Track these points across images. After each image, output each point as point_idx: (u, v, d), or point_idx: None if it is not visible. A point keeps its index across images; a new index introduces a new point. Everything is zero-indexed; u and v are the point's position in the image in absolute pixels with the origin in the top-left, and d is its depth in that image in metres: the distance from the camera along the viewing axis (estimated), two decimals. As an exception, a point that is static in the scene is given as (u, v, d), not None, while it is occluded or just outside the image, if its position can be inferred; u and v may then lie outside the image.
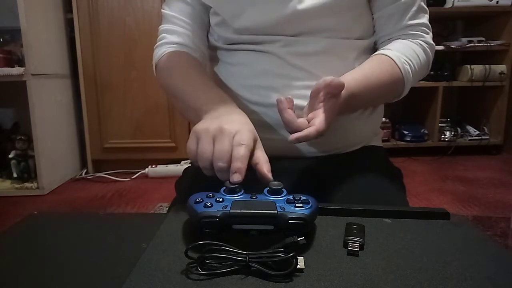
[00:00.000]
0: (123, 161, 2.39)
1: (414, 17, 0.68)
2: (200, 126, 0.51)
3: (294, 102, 0.59)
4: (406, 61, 0.66)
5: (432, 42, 0.71)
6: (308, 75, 0.65)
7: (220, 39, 0.72)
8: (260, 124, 0.65)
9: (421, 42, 0.69)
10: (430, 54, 0.70)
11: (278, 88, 0.65)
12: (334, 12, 0.64)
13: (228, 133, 0.48)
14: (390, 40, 0.70)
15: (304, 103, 0.61)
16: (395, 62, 0.65)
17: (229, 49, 0.70)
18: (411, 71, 0.66)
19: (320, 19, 0.65)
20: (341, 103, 0.58)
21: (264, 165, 0.49)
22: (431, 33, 0.71)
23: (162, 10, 0.75)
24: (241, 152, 0.47)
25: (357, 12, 0.67)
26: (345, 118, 0.66)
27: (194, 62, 0.70)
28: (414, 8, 0.68)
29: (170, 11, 0.73)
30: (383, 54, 0.66)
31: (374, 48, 0.73)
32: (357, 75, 0.63)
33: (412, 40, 0.69)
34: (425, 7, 0.70)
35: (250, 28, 0.67)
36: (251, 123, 0.54)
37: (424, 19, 0.69)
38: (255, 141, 0.51)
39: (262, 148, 0.52)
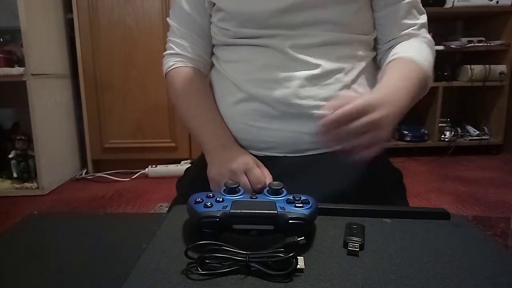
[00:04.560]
0: (123, 161, 2.38)
1: (415, 17, 0.71)
2: (214, 172, 0.65)
3: (295, 92, 0.65)
4: (424, 59, 0.68)
5: (433, 41, 0.73)
6: (309, 65, 0.66)
7: (224, 35, 0.74)
8: (262, 115, 0.67)
9: (426, 41, 0.72)
10: (434, 51, 0.73)
11: (279, 80, 0.66)
12: (333, 3, 0.66)
13: (239, 172, 0.62)
14: (394, 41, 0.72)
15: (304, 92, 0.65)
16: (416, 62, 0.67)
17: (232, 44, 0.73)
18: (430, 67, 0.69)
19: (319, 10, 0.66)
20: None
21: (267, 178, 0.62)
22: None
23: (168, 20, 0.80)
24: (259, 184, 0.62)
25: (357, 6, 0.68)
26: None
27: (198, 82, 0.76)
28: (415, 10, 0.71)
29: (175, 22, 0.79)
30: (401, 58, 0.68)
31: (374, 47, 0.74)
32: (392, 78, 0.64)
33: (417, 39, 0.71)
34: (422, 8, 0.73)
35: (251, 20, 0.69)
36: (244, 151, 0.67)
37: (423, 19, 0.72)
38: (253, 161, 0.64)
39: (260, 163, 0.65)
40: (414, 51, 0.68)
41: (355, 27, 0.69)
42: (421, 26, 0.72)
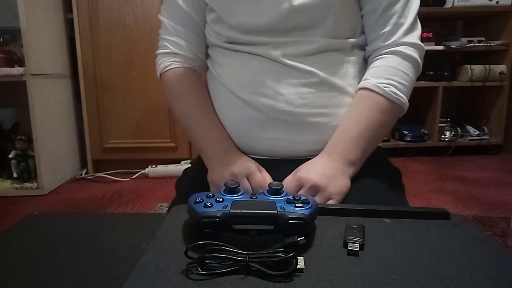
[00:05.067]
0: (123, 161, 2.38)
1: (397, 16, 0.66)
2: (215, 177, 0.66)
3: (290, 99, 0.65)
4: (388, 84, 0.65)
5: (418, 42, 0.67)
6: (302, 74, 0.66)
7: (216, 37, 0.73)
8: (257, 123, 0.66)
9: (401, 49, 0.66)
10: (415, 56, 0.67)
11: (273, 86, 0.66)
12: (324, 9, 0.65)
13: (241, 176, 0.63)
14: (375, 44, 0.69)
15: (299, 100, 0.65)
16: (377, 93, 0.65)
17: (225, 48, 0.71)
18: (404, 91, 0.66)
19: (311, 15, 0.65)
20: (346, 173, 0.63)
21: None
22: (417, 31, 0.68)
23: (160, 17, 0.77)
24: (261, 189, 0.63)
25: (347, 8, 0.67)
26: (339, 115, 0.67)
27: (196, 84, 0.75)
28: (398, 6, 0.66)
29: (168, 19, 0.75)
30: (362, 89, 0.67)
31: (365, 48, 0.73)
32: (348, 135, 0.65)
33: (391, 50, 0.67)
34: (414, 5, 0.67)
35: (244, 25, 0.68)
36: (246, 156, 0.67)
37: (409, 18, 0.67)
38: (255, 165, 0.65)
39: (262, 168, 0.65)
40: (385, 78, 0.65)
41: (347, 30, 0.68)
42: (402, 25, 0.66)
